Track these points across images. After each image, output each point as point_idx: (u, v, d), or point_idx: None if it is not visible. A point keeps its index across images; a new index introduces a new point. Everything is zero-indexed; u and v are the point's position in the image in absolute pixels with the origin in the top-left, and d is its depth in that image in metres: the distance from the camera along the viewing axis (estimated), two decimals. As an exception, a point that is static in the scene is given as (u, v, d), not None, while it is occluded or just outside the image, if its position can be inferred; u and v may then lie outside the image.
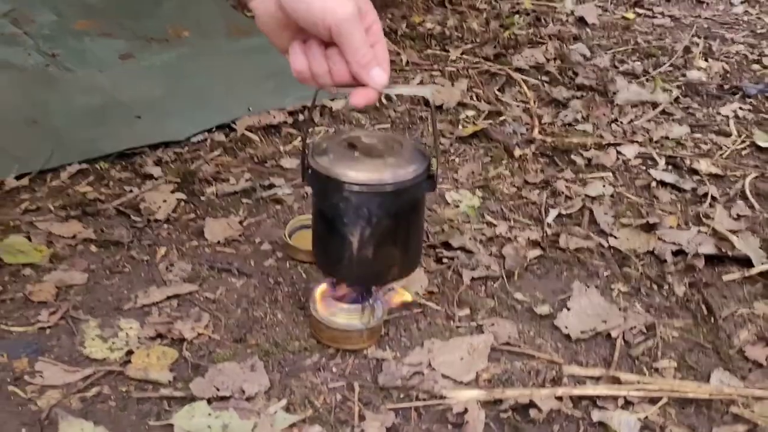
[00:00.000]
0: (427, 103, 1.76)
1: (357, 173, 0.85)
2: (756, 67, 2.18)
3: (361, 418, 0.86)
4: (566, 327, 1.04)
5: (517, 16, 2.54)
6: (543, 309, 1.08)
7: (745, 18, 2.68)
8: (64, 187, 1.27)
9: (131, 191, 1.28)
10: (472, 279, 1.13)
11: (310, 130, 1.58)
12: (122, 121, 1.55)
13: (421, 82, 1.85)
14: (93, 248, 1.12)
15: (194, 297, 1.04)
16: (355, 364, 0.95)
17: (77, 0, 2.22)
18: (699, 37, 2.41)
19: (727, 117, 1.81)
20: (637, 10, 2.71)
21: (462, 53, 2.14)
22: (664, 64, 2.12)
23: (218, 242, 1.17)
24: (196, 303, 1.02)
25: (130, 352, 0.92)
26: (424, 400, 0.90)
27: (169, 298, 1.02)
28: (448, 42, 2.23)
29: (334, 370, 0.94)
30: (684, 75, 2.06)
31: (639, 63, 2.14)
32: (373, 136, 0.93)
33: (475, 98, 1.84)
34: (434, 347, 0.97)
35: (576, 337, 1.03)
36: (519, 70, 2.03)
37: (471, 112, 1.75)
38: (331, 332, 0.95)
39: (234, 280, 1.09)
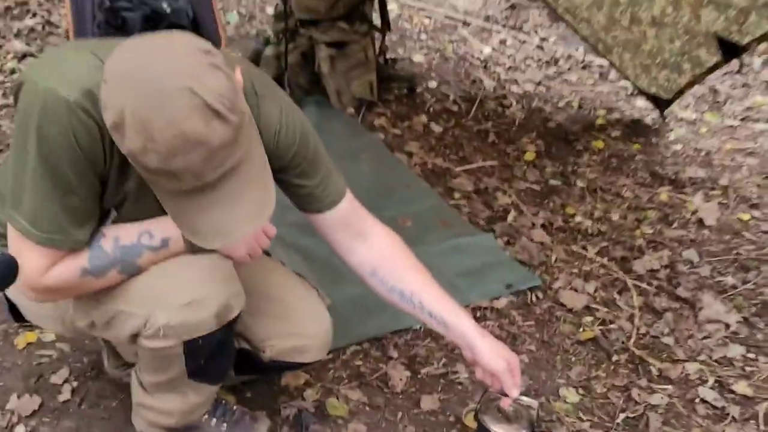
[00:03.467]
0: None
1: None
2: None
3: None
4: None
5: (650, 211, 3.29)
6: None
7: None
8: (346, 361, 2.34)
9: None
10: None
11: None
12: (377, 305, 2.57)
13: (560, 288, 2.75)
14: (367, 409, 2.16)
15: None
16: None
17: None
18: (796, 249, 2.99)
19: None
20: (753, 212, 3.28)
21: (597, 252, 2.96)
22: (751, 280, 2.80)
23: None
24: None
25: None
26: None
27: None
28: (590, 237, 3.05)
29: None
30: (762, 293, 2.75)
31: (731, 277, 2.82)
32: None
33: (598, 301, 2.68)
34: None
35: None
36: (638, 276, 2.81)
37: (589, 318, 2.60)
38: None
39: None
